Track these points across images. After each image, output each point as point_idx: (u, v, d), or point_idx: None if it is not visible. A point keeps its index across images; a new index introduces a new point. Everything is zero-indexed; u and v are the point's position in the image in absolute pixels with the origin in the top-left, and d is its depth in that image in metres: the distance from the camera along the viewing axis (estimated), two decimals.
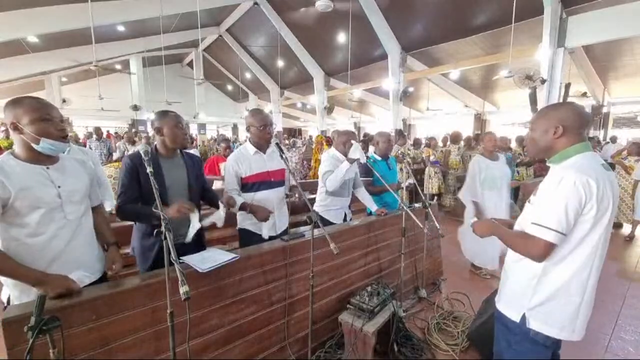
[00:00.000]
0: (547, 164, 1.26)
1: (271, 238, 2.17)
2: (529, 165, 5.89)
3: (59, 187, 1.33)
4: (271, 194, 2.20)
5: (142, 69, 14.81)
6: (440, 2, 8.42)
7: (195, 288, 1.51)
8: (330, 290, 2.25)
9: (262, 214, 2.03)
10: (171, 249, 1.16)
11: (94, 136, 7.04)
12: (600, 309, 2.72)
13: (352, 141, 2.58)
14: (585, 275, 1.16)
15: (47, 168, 1.33)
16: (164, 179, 1.71)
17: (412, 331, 2.31)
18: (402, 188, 3.26)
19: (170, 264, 1.16)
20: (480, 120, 14.63)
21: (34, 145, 1.27)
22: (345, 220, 2.76)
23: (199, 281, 1.56)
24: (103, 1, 8.95)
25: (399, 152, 6.12)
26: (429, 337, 2.35)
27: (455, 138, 6.57)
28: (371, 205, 2.80)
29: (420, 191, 2.83)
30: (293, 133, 25.68)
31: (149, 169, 1.42)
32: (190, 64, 19.09)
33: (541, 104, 7.00)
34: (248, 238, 2.20)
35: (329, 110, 14.11)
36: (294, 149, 9.56)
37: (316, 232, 1.73)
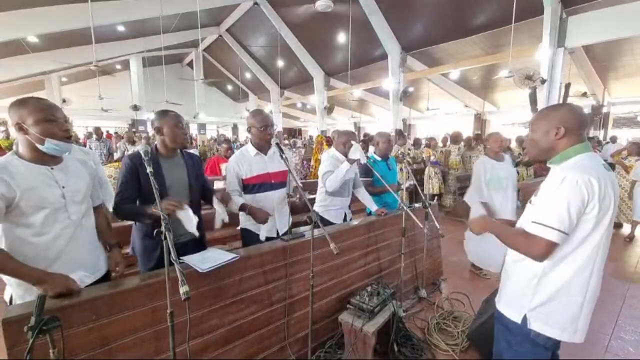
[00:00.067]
0: (548, 164, 1.26)
1: (272, 239, 2.17)
2: (529, 165, 5.89)
3: (63, 187, 1.34)
4: (272, 195, 2.20)
5: (142, 69, 14.82)
6: (440, 2, 8.43)
7: (195, 288, 1.51)
8: (330, 290, 2.25)
9: (260, 216, 2.04)
10: (171, 249, 1.16)
11: (94, 136, 7.03)
12: (600, 309, 2.71)
13: (352, 142, 2.57)
14: (586, 275, 1.15)
15: (52, 169, 1.34)
16: (164, 178, 1.72)
17: (412, 331, 2.31)
18: (402, 189, 3.26)
19: (170, 264, 1.16)
20: (480, 120, 14.64)
21: (39, 146, 1.28)
22: (345, 220, 2.76)
23: (199, 281, 1.56)
24: (103, 1, 8.96)
25: (399, 152, 6.12)
26: (429, 337, 2.35)
27: (455, 138, 6.56)
28: (371, 205, 2.80)
29: (420, 191, 2.83)
30: (293, 133, 25.69)
31: (149, 169, 1.42)
32: (190, 64, 19.10)
33: (541, 104, 7.01)
34: (250, 238, 2.22)
35: (329, 110, 14.11)
36: (294, 149, 9.56)
37: (316, 232, 1.73)
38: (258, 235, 2.18)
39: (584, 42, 7.15)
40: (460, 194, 6.00)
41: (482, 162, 3.15)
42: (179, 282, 1.09)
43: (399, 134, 7.48)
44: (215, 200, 1.84)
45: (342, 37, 11.20)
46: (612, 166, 5.23)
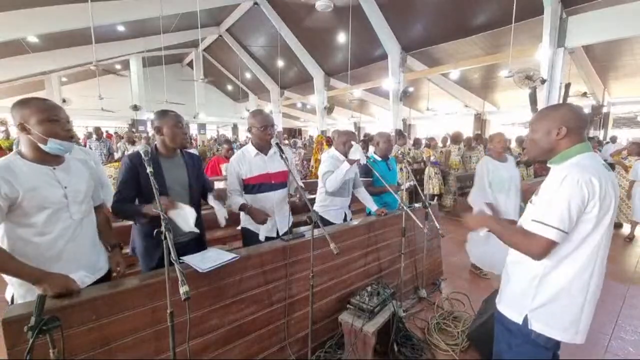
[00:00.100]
0: (548, 164, 1.25)
1: (272, 239, 2.17)
2: (529, 165, 5.89)
3: (65, 187, 1.35)
4: (272, 195, 2.20)
5: (142, 69, 14.82)
6: (440, 2, 8.43)
7: (195, 288, 1.51)
8: (330, 290, 2.25)
9: (259, 216, 2.04)
10: (171, 249, 1.16)
11: (94, 136, 7.03)
12: (600, 309, 2.70)
13: (352, 142, 2.57)
14: (587, 275, 1.15)
15: (54, 169, 1.35)
16: (164, 178, 1.72)
17: (412, 331, 2.31)
18: (403, 190, 3.25)
19: (170, 264, 1.16)
20: (480, 120, 14.64)
21: (42, 146, 1.29)
22: (345, 220, 2.76)
23: (199, 281, 1.56)
24: (103, 1, 8.96)
25: (399, 152, 6.12)
26: (429, 337, 2.35)
27: (455, 138, 6.56)
28: (371, 205, 2.80)
29: (420, 191, 2.83)
30: (293, 133, 25.69)
31: (149, 169, 1.43)
32: (190, 64, 19.09)
33: (541, 104, 7.01)
34: (250, 237, 2.23)
35: (329, 110, 14.11)
36: (294, 149, 9.55)
37: (316, 232, 1.73)
38: (258, 234, 2.19)
39: (584, 42, 7.15)
40: (460, 194, 6.00)
41: (484, 163, 3.10)
42: (179, 282, 1.09)
43: (399, 134, 7.48)
44: (210, 198, 1.83)
45: (342, 37, 11.20)
46: (612, 166, 5.24)
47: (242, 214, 2.18)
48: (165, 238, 1.18)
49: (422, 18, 9.35)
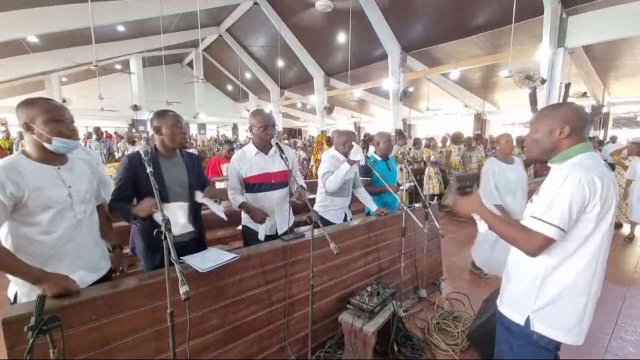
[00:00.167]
0: (549, 164, 1.25)
1: (272, 238, 2.18)
2: (529, 165, 5.89)
3: (69, 187, 1.36)
4: (272, 195, 2.21)
5: (142, 69, 14.82)
6: (440, 2, 8.43)
7: (195, 288, 1.51)
8: (330, 290, 2.25)
9: (258, 215, 2.06)
10: (171, 249, 1.16)
11: (94, 136, 7.02)
12: (600, 309, 2.69)
13: (353, 142, 2.58)
14: (590, 275, 1.15)
15: (58, 168, 1.36)
16: (163, 178, 1.72)
17: (412, 331, 2.31)
18: (403, 190, 3.24)
19: (170, 264, 1.16)
20: (480, 120, 14.64)
21: (46, 145, 1.30)
22: (345, 220, 2.76)
23: (199, 281, 1.56)
24: (103, 1, 8.96)
25: (399, 152, 6.12)
26: (429, 337, 2.35)
27: (456, 138, 6.56)
28: (371, 205, 2.80)
29: (420, 191, 2.83)
30: (293, 133, 25.69)
31: (149, 169, 1.43)
32: (190, 64, 19.09)
33: (541, 104, 7.01)
34: (250, 235, 2.24)
35: (329, 110, 14.11)
36: (294, 150, 9.54)
37: (316, 232, 1.73)
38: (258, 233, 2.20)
39: (584, 42, 7.15)
40: (460, 194, 5.99)
41: (490, 164, 2.99)
42: (179, 282, 1.09)
43: (399, 134, 7.48)
44: (198, 196, 1.77)
45: (342, 37, 11.20)
46: (612, 166, 5.24)
47: (243, 212, 2.19)
48: (165, 238, 1.18)
49: (422, 18, 9.35)
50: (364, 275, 2.51)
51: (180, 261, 1.26)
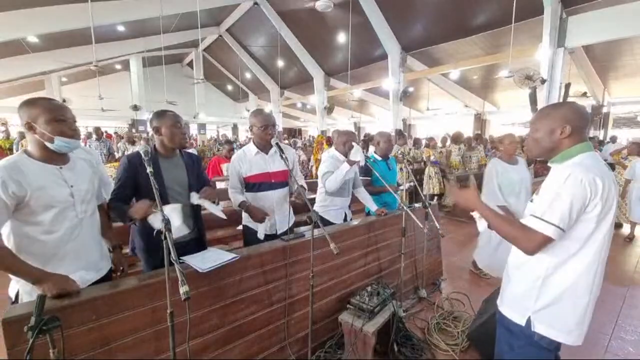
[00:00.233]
0: (549, 163, 1.24)
1: (272, 237, 2.18)
2: (529, 165, 5.89)
3: (71, 186, 1.37)
4: (271, 194, 2.21)
5: (142, 69, 14.82)
6: (440, 2, 8.43)
7: (195, 288, 1.51)
8: (330, 290, 2.25)
9: (257, 215, 2.07)
10: (171, 249, 1.16)
11: (94, 136, 7.02)
12: (600, 309, 2.70)
13: (353, 143, 2.58)
14: (591, 276, 1.14)
15: (60, 168, 1.37)
16: (162, 179, 1.72)
17: (412, 331, 2.30)
18: (402, 190, 3.24)
19: (170, 264, 1.16)
20: (480, 120, 14.64)
21: (48, 144, 1.31)
22: (345, 220, 2.76)
23: (199, 281, 1.56)
24: (103, 1, 8.96)
25: (399, 152, 6.13)
26: (429, 337, 2.35)
27: (456, 138, 6.56)
28: (371, 205, 2.80)
29: (420, 191, 2.83)
30: (293, 133, 25.69)
31: (149, 169, 1.43)
32: (190, 64, 19.09)
33: (541, 104, 7.01)
34: (250, 235, 2.25)
35: (329, 110, 14.12)
36: (294, 149, 9.52)
37: (316, 232, 1.73)
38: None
39: (584, 42, 7.16)
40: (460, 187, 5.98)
41: (493, 165, 2.96)
42: (179, 282, 1.09)
43: (399, 134, 7.49)
44: (194, 197, 1.73)
45: (342, 37, 11.20)
46: (612, 166, 5.24)
47: (243, 212, 2.20)
48: (166, 238, 1.18)
49: (422, 18, 9.35)
50: (364, 275, 2.51)
51: (180, 261, 1.26)
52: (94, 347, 1.28)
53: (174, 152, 1.84)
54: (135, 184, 1.69)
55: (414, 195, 5.49)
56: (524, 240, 1.14)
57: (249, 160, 2.18)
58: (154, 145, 1.80)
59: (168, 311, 1.17)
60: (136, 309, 1.39)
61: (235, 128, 22.69)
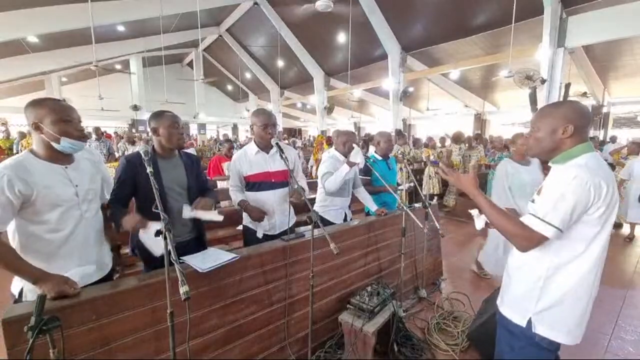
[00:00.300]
0: (550, 164, 1.23)
1: (272, 237, 2.18)
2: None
3: (76, 185, 1.39)
4: (272, 194, 2.21)
5: (142, 69, 14.82)
6: (440, 2, 8.43)
7: (195, 288, 1.51)
8: (330, 290, 2.25)
9: (255, 214, 2.08)
10: (171, 249, 1.16)
11: (94, 136, 7.02)
12: (600, 309, 2.72)
13: (353, 144, 2.57)
14: (592, 277, 1.14)
15: (66, 167, 1.38)
16: (161, 179, 1.71)
17: (412, 331, 2.31)
18: (402, 190, 3.24)
19: (170, 264, 1.16)
20: (480, 120, 14.64)
21: (54, 145, 1.32)
22: (345, 220, 2.76)
23: (199, 281, 1.56)
24: (103, 1, 8.96)
25: (399, 152, 6.13)
26: (429, 337, 2.35)
27: (457, 138, 6.56)
28: (371, 205, 2.80)
29: (420, 191, 2.83)
30: (293, 133, 25.68)
31: (149, 169, 1.43)
32: (190, 64, 19.09)
33: (541, 104, 7.01)
34: (250, 235, 2.25)
35: (329, 110, 14.11)
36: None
37: (316, 232, 1.73)
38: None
39: (584, 42, 7.15)
40: (461, 194, 6.00)
41: (504, 165, 2.83)
42: (179, 282, 1.09)
43: (399, 133, 7.49)
44: (186, 212, 1.67)
45: (342, 37, 11.20)
46: (612, 166, 5.24)
47: (243, 212, 2.20)
48: (166, 238, 1.18)
49: (422, 18, 9.35)
50: (364, 275, 2.51)
51: (180, 261, 1.26)
52: (94, 347, 1.28)
53: (173, 153, 1.84)
54: (134, 184, 1.69)
55: (413, 195, 5.49)
56: (522, 238, 1.13)
57: (249, 159, 2.18)
58: (153, 146, 1.80)
59: (168, 311, 1.17)
60: (136, 309, 1.39)
61: (235, 128, 22.68)
